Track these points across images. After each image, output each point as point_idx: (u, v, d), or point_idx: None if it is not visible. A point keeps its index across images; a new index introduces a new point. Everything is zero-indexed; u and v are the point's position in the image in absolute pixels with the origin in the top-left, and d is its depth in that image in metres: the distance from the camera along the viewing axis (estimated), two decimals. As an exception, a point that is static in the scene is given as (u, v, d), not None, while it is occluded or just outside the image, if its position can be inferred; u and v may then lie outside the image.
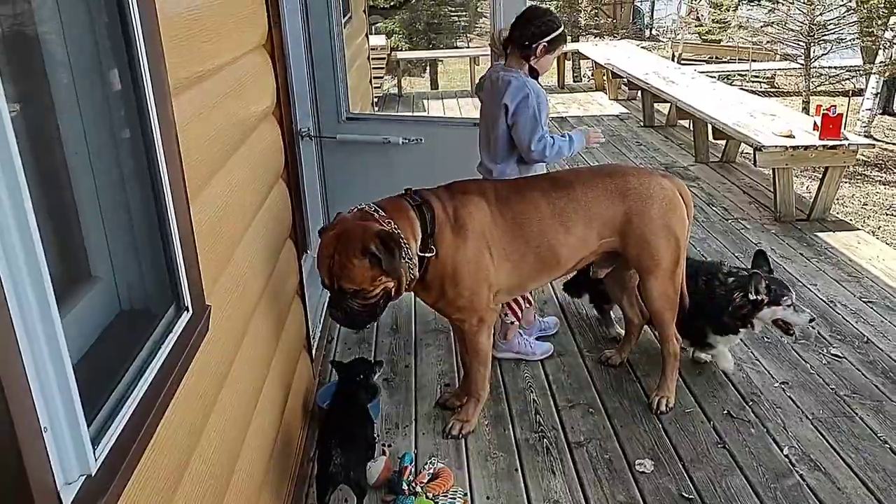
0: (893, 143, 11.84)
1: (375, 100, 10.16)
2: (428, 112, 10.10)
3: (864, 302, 4.14)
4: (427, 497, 2.70)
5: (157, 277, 1.74)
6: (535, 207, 2.93)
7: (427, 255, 2.77)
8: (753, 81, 14.72)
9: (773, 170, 5.41)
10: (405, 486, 2.70)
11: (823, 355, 3.62)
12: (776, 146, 5.26)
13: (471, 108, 10.23)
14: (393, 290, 2.71)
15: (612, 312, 3.84)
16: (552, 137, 3.17)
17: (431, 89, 12.94)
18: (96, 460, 1.23)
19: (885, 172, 10.34)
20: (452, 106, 10.47)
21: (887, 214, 8.64)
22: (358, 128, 4.29)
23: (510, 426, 3.17)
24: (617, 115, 9.45)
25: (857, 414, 3.14)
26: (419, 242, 2.76)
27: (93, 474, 1.21)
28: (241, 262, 2.38)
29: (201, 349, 1.83)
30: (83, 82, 1.54)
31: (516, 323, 3.61)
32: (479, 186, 2.99)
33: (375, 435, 3.05)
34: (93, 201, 1.64)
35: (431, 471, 2.79)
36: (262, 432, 2.47)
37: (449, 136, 4.14)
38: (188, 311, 1.76)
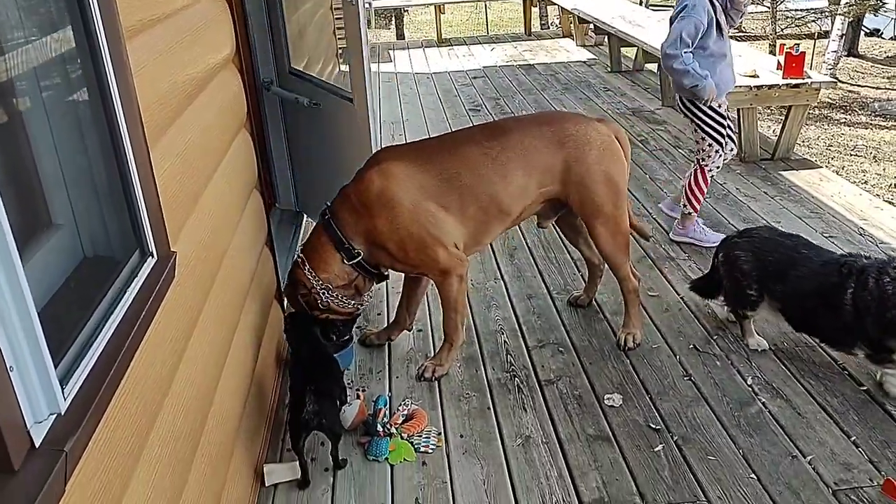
0: (858, 85, 11.97)
1: (340, 51, 9.99)
2: (394, 63, 9.97)
3: (825, 237, 4.23)
4: (402, 438, 2.76)
5: (119, 224, 1.73)
6: (464, 160, 2.95)
7: (355, 260, 2.93)
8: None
9: (738, 110, 5.45)
10: (380, 428, 2.75)
11: (786, 289, 3.71)
12: (740, 86, 5.29)
13: (438, 58, 10.13)
14: (345, 316, 3.05)
15: (752, 322, 3.26)
16: (687, 59, 3.81)
17: (397, 39, 12.74)
18: (66, 399, 1.24)
19: (849, 114, 10.47)
20: (419, 57, 10.35)
21: (851, 154, 8.79)
22: (295, 84, 4.04)
23: (482, 367, 3.23)
24: (584, 62, 9.41)
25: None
26: (344, 258, 2.92)
27: (62, 412, 1.23)
28: (207, 210, 2.37)
29: (168, 295, 1.84)
30: (33, 27, 1.51)
31: (693, 213, 4.20)
32: (396, 152, 3.05)
33: (348, 382, 3.10)
34: (50, 148, 1.62)
35: (405, 412, 2.84)
36: (236, 379, 2.50)
37: (334, 105, 3.83)
38: (152, 256, 1.76)
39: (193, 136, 2.30)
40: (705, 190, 4.24)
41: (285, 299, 3.13)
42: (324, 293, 2.94)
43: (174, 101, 2.11)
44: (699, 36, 3.85)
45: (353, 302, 3.04)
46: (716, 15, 3.89)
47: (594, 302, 3.68)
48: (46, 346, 1.19)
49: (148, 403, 1.68)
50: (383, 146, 3.28)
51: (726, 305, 3.39)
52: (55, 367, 1.24)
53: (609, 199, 3.09)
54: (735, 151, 4.28)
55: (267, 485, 2.59)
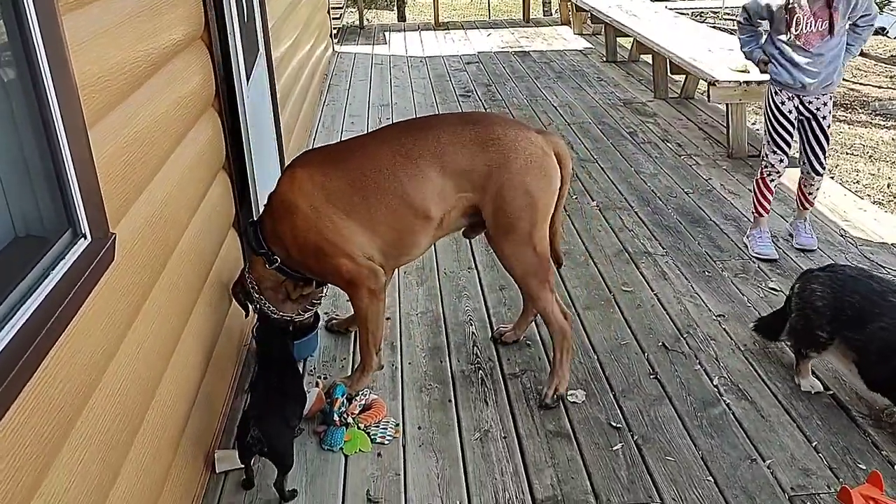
0: (860, 83, 11.87)
1: (334, 31, 9.90)
2: (389, 46, 9.87)
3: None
4: (358, 428, 2.72)
5: (52, 203, 1.68)
6: (372, 158, 2.74)
7: (274, 265, 2.83)
8: (727, 19, 14.58)
9: (727, 105, 5.39)
10: (336, 418, 2.71)
11: (761, 288, 3.67)
12: (729, 81, 5.23)
13: (433, 42, 10.04)
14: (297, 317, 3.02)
15: (811, 366, 2.99)
16: (742, 29, 4.01)
17: (398, 21, 12.62)
18: (-38, 386, 1.19)
19: (849, 112, 10.37)
20: (414, 41, 10.25)
21: (846, 153, 8.71)
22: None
23: (447, 358, 3.19)
24: (580, 50, 9.32)
25: (788, 345, 3.20)
26: (266, 263, 2.84)
27: (-42, 399, 1.18)
28: (159, 192, 2.31)
29: (105, 278, 1.79)
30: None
31: (757, 217, 4.08)
32: (308, 156, 2.89)
33: (310, 369, 3.06)
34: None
35: (363, 402, 2.81)
36: (187, 367, 2.45)
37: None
38: (85, 237, 1.70)
39: (146, 116, 2.24)
40: (766, 195, 4.05)
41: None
42: (254, 293, 2.90)
43: (123, 79, 2.05)
44: (764, 19, 3.88)
45: (283, 309, 2.95)
46: (792, 8, 3.71)
47: (567, 295, 3.63)
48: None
49: (75, 389, 1.63)
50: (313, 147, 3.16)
51: (790, 340, 3.07)
52: (-46, 352, 1.20)
53: (525, 216, 2.75)
54: (786, 164, 4.01)
55: (217, 471, 2.56)
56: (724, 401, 2.88)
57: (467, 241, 4.12)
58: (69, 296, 1.57)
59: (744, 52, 4.13)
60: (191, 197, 2.67)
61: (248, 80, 3.35)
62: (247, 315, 3.10)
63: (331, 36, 9.40)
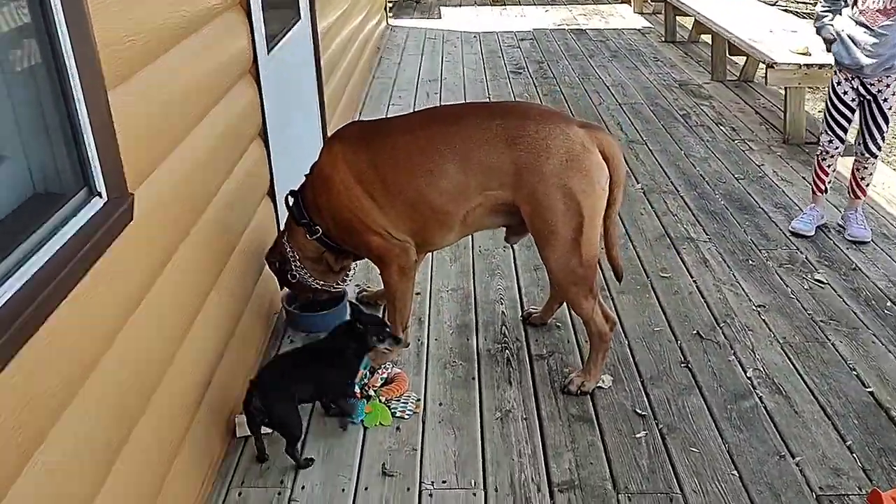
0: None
1: (390, 4, 9.85)
2: (443, 20, 9.78)
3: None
4: (380, 401, 2.72)
5: (68, 161, 1.69)
6: (392, 148, 2.65)
7: (315, 235, 2.84)
8: (798, 2, 14.00)
9: (786, 89, 5.17)
10: (357, 390, 2.71)
11: (806, 280, 3.53)
12: (789, 63, 5.01)
13: (489, 18, 9.90)
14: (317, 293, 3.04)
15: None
16: (824, 3, 3.84)
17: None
18: (-40, 336, 1.21)
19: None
20: (470, 16, 10.13)
21: (912, 143, 8.31)
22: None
23: (474, 336, 3.16)
24: (638, 30, 9.08)
25: (829, 340, 3.07)
26: (307, 234, 2.85)
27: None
28: (187, 155, 2.32)
29: (122, 238, 1.80)
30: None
31: (814, 195, 3.99)
32: (347, 130, 2.84)
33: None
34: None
35: (385, 375, 2.80)
36: (210, 330, 2.47)
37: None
38: (100, 196, 1.71)
39: (177, 80, 2.24)
40: (820, 175, 3.97)
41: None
42: (294, 263, 2.90)
43: (151, 40, 2.05)
44: None
45: (325, 279, 2.97)
46: None
47: (602, 278, 3.54)
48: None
49: (86, 346, 1.64)
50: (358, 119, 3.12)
51: None
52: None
53: (566, 221, 2.54)
54: (840, 150, 3.92)
55: (238, 436, 2.58)
56: (757, 394, 2.78)
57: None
58: (80, 252, 1.58)
59: (815, 27, 4.00)
60: (223, 163, 2.68)
61: (269, 49, 3.32)
62: (282, 286, 3.11)
63: (385, 9, 9.35)
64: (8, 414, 1.34)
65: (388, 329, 2.60)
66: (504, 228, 2.91)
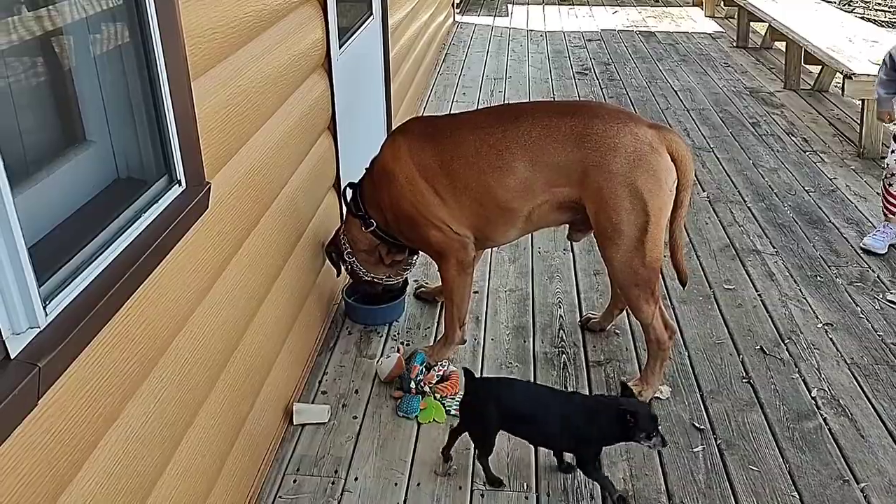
0: None
1: (458, 1, 9.86)
2: (510, 18, 9.74)
3: (935, 251, 3.85)
4: (434, 398, 2.73)
5: (151, 149, 1.74)
6: (459, 143, 2.64)
7: (370, 228, 2.88)
8: (877, 10, 13.53)
9: (862, 100, 5.00)
10: (413, 385, 2.72)
11: (878, 300, 3.41)
12: (868, 74, 4.84)
13: (556, 17, 9.83)
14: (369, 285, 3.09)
15: None
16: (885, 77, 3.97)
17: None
18: (47, 315, 1.25)
19: None
20: (537, 14, 10.06)
21: None
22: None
23: (531, 338, 3.14)
24: (709, 34, 8.89)
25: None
26: (363, 226, 2.90)
27: (42, 327, 1.24)
28: (261, 146, 2.36)
29: (198, 224, 1.85)
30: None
31: (887, 217, 3.87)
32: (412, 124, 2.85)
33: (395, 334, 3.07)
34: (90, 68, 1.63)
35: (441, 372, 2.80)
36: (274, 316, 2.52)
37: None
38: (180, 184, 1.76)
39: (254, 71, 2.28)
40: (889, 199, 3.84)
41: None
42: (347, 255, 2.95)
43: (233, 32, 2.09)
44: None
45: (376, 271, 3.02)
46: None
47: (663, 286, 3.49)
48: (30, 261, 1.21)
49: (159, 330, 1.69)
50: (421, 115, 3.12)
51: None
52: (43, 282, 1.26)
53: (632, 220, 2.53)
54: None
55: (295, 423, 2.63)
56: (822, 415, 2.70)
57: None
58: (160, 237, 1.62)
59: (877, 94, 4.12)
60: (293, 154, 2.72)
61: (341, 44, 3.35)
62: (338, 275, 3.16)
63: (453, 6, 9.36)
64: (86, 390, 1.38)
65: (658, 428, 2.21)
66: (566, 228, 2.90)
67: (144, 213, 1.61)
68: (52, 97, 1.62)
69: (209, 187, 1.89)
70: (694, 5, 10.62)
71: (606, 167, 2.52)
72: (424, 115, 3.17)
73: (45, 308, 1.24)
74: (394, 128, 3.01)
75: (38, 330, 1.24)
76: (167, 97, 1.68)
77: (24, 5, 1.44)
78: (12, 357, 1.19)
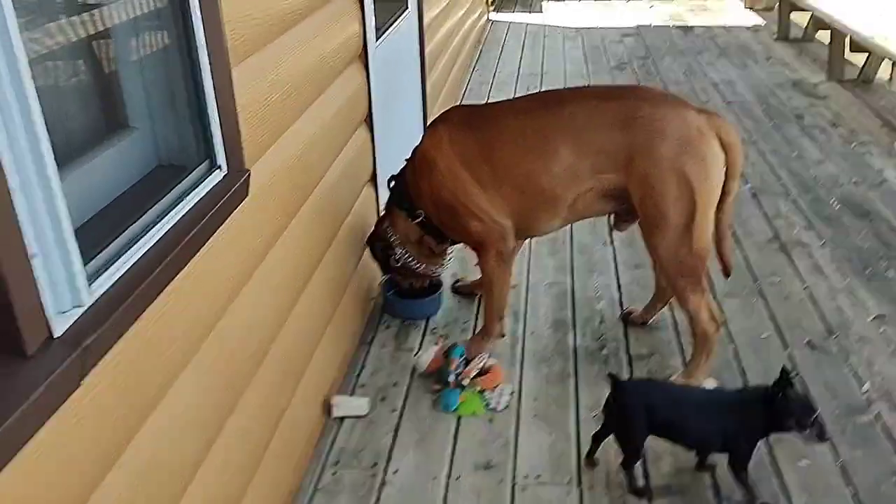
0: None
1: (492, -1, 9.82)
2: (545, 14, 9.67)
3: None
4: (473, 391, 2.69)
5: (193, 135, 1.74)
6: (501, 130, 2.60)
7: (417, 219, 2.83)
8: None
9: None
10: (452, 378, 2.69)
11: (932, 293, 3.29)
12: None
13: (591, 13, 9.73)
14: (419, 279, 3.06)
15: None
16: None
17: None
18: (91, 294, 1.25)
19: None
20: (572, 11, 9.97)
21: None
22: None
23: (571, 332, 3.09)
24: (749, 27, 8.72)
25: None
26: (408, 218, 2.86)
27: (86, 306, 1.24)
28: (301, 136, 2.36)
29: (239, 211, 1.84)
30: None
31: None
32: (453, 113, 2.82)
33: (433, 328, 3.05)
34: (133, 55, 1.64)
35: (481, 365, 2.77)
36: (315, 305, 2.51)
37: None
38: (220, 169, 1.75)
39: (293, 61, 2.28)
40: None
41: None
42: (398, 249, 2.91)
43: (271, 19, 2.09)
44: None
45: (429, 262, 2.98)
46: None
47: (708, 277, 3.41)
48: (75, 239, 1.20)
49: (202, 313, 1.69)
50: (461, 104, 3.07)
51: None
52: (88, 261, 1.26)
53: (679, 207, 2.47)
54: None
55: (334, 416, 2.62)
56: (874, 409, 2.61)
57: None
58: (201, 222, 1.62)
59: None
60: (330, 146, 2.72)
61: (377, 38, 3.34)
62: (383, 272, 3.12)
63: (486, 3, 9.33)
64: (128, 372, 1.38)
65: (817, 417, 2.09)
66: (605, 221, 2.84)
67: (186, 196, 1.60)
68: (96, 84, 1.63)
69: (249, 174, 1.88)
70: (732, -2, 10.43)
71: (653, 152, 2.46)
72: (464, 103, 3.12)
73: (89, 287, 1.24)
74: (432, 118, 2.98)
75: (83, 309, 1.24)
76: (208, 82, 1.68)
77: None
78: (55, 336, 1.18)
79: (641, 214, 2.58)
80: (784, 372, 2.11)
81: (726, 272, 2.79)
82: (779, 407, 2.08)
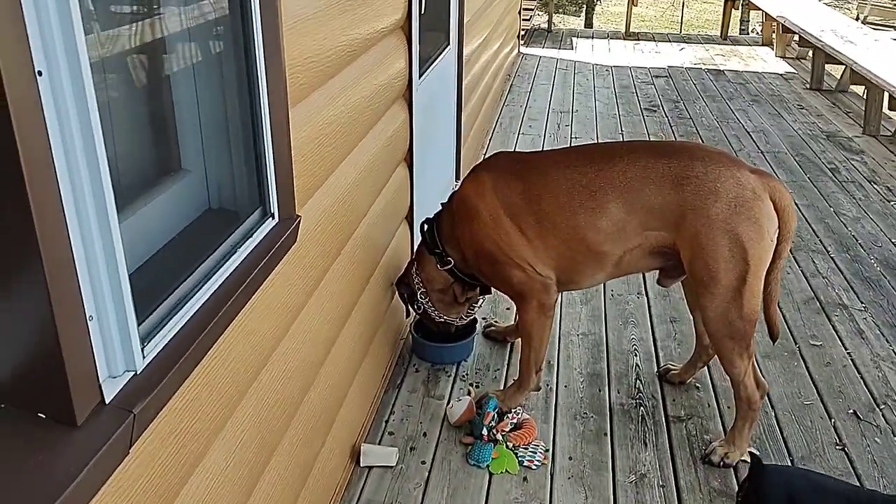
0: None
1: (522, 32, 9.83)
2: (575, 51, 9.66)
3: None
4: (507, 447, 2.60)
5: (246, 180, 1.68)
6: (549, 182, 2.54)
7: (447, 266, 2.80)
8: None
9: (956, 151, 4.76)
10: (485, 432, 2.60)
11: (981, 366, 3.18)
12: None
13: (621, 52, 9.72)
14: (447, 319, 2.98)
15: None
16: None
17: (585, 27, 12.36)
18: (144, 358, 1.18)
19: None
20: (602, 48, 9.97)
21: None
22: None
23: (606, 387, 3.00)
24: (781, 74, 8.67)
25: None
26: (438, 263, 2.82)
27: (139, 372, 1.17)
28: (344, 179, 2.30)
29: (285, 260, 1.77)
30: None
31: None
32: (496, 159, 2.76)
33: (463, 375, 2.97)
34: (191, 97, 1.58)
35: (515, 420, 2.68)
36: (347, 353, 2.44)
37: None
38: (273, 217, 1.69)
39: (343, 102, 2.22)
40: None
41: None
42: (420, 295, 2.86)
43: (326, 62, 2.03)
44: None
45: (449, 313, 2.95)
46: None
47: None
48: (132, 300, 1.13)
49: (242, 369, 1.62)
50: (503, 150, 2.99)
51: None
52: (140, 320, 1.19)
53: (728, 268, 2.40)
54: None
55: (362, 465, 2.53)
56: (926, 491, 2.50)
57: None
58: (252, 273, 1.55)
59: None
60: (372, 186, 2.66)
61: (420, 74, 3.29)
62: (408, 315, 3.07)
63: (518, 37, 9.33)
64: (175, 436, 1.30)
65: None
66: (652, 273, 2.77)
67: (239, 247, 1.54)
68: (152, 124, 1.57)
69: (299, 220, 1.82)
70: (763, 44, 10.40)
71: (706, 212, 2.39)
72: (508, 150, 3.06)
73: (142, 350, 1.17)
74: (462, 159, 2.92)
75: (133, 373, 1.16)
76: (267, 127, 1.62)
77: (131, 35, 1.39)
78: (107, 402, 1.11)
79: (691, 274, 2.51)
80: None
81: (773, 336, 2.70)
82: None
